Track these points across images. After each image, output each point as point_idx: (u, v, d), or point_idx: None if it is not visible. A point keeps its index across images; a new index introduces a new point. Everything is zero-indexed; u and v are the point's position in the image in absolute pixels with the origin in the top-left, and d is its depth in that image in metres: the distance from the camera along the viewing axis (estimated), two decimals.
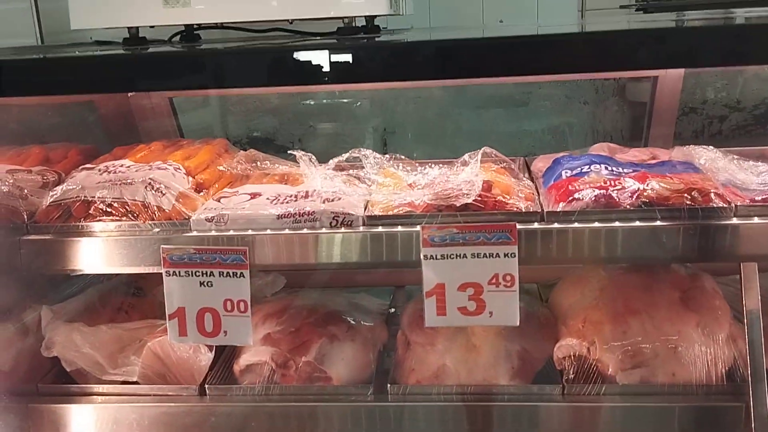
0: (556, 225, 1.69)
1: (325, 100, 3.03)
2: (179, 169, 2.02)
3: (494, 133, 2.58)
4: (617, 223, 1.67)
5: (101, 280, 2.31)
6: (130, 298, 2.20)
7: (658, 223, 1.66)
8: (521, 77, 2.08)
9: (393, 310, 2.28)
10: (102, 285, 2.26)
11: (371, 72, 1.56)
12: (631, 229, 1.66)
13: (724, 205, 1.67)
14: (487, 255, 1.59)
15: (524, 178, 2.01)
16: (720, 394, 1.72)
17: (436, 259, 1.61)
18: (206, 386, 1.89)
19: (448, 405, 1.79)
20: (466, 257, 1.60)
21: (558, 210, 1.72)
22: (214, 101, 3.04)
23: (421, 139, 2.80)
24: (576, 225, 1.68)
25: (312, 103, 3.03)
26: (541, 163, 2.09)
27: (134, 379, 1.94)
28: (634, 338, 1.75)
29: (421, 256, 1.62)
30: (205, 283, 1.69)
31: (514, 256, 1.59)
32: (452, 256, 1.60)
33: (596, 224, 1.68)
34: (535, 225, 1.70)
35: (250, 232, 1.77)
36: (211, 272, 1.68)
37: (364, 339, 2.02)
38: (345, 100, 3.01)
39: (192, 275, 1.68)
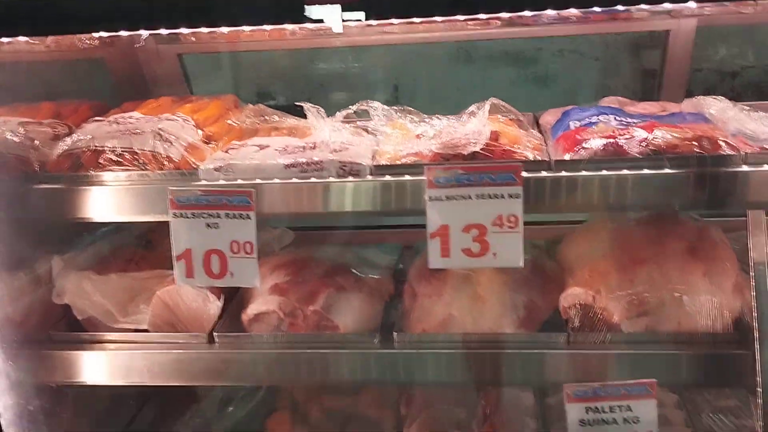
0: (563, 173, 1.69)
1: (338, 65, 3.03)
2: (188, 120, 2.04)
3: (504, 91, 2.55)
4: (625, 171, 1.67)
5: (112, 235, 2.33)
6: (141, 250, 2.22)
7: (666, 170, 1.66)
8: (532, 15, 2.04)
9: (401, 266, 2.29)
10: (113, 238, 2.28)
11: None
12: (639, 177, 1.66)
13: (733, 153, 1.66)
14: (492, 196, 1.59)
15: (533, 131, 2.00)
16: (726, 342, 1.72)
17: (441, 200, 1.61)
18: (215, 334, 1.91)
19: (453, 353, 1.79)
20: (471, 198, 1.60)
21: (565, 159, 1.72)
22: (226, 64, 3.04)
23: (432, 97, 2.79)
24: (583, 173, 1.68)
25: (324, 66, 3.03)
26: (550, 117, 2.09)
27: (144, 328, 1.97)
28: (640, 287, 1.75)
29: (426, 198, 1.62)
30: (212, 225, 1.71)
31: (519, 196, 1.59)
32: (457, 198, 1.61)
33: (603, 172, 1.67)
34: (543, 173, 1.70)
35: (257, 181, 1.78)
36: (218, 214, 1.70)
37: (371, 290, 2.03)
38: (356, 65, 3.01)
39: (198, 217, 1.70)
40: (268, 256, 2.13)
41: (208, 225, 1.70)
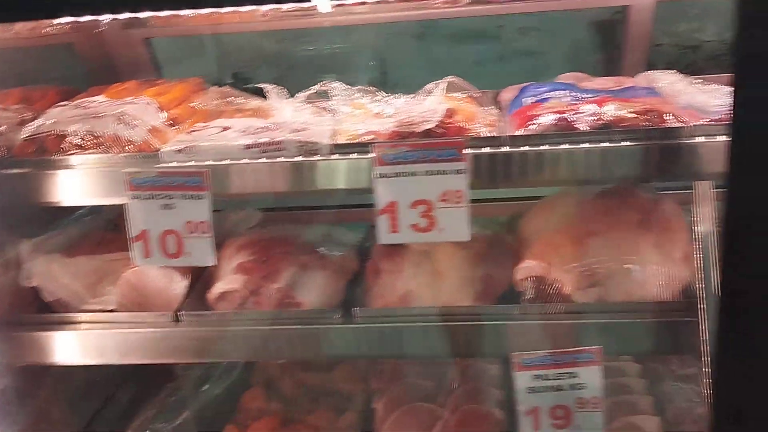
0: (512, 149, 1.72)
1: (306, 47, 3.04)
2: (151, 103, 2.06)
3: (470, 69, 2.58)
4: (573, 146, 1.70)
5: (83, 220, 2.37)
6: (109, 233, 2.25)
7: (614, 144, 1.69)
8: None
9: (368, 244, 2.32)
10: (83, 222, 2.32)
11: None
12: (587, 151, 1.69)
13: (680, 125, 1.69)
14: (438, 172, 1.63)
15: (490, 108, 2.03)
16: (676, 311, 1.75)
17: (389, 177, 1.65)
18: (180, 313, 1.94)
19: (411, 326, 1.83)
20: (418, 175, 1.64)
21: (516, 134, 1.75)
22: (197, 48, 3.05)
23: (402, 75, 2.81)
24: (532, 148, 1.71)
25: (311, 49, 3.04)
26: (508, 94, 2.11)
27: (112, 308, 2.01)
28: (592, 259, 1.78)
29: (375, 175, 1.66)
30: (168, 206, 1.75)
31: (463, 172, 1.63)
32: (405, 174, 1.64)
33: (552, 147, 1.70)
34: (490, 149, 1.73)
35: (222, 162, 1.82)
36: (172, 195, 1.74)
37: (335, 268, 2.07)
38: (328, 47, 3.02)
39: (154, 198, 1.74)
40: (234, 237, 2.17)
41: (164, 206, 1.74)
